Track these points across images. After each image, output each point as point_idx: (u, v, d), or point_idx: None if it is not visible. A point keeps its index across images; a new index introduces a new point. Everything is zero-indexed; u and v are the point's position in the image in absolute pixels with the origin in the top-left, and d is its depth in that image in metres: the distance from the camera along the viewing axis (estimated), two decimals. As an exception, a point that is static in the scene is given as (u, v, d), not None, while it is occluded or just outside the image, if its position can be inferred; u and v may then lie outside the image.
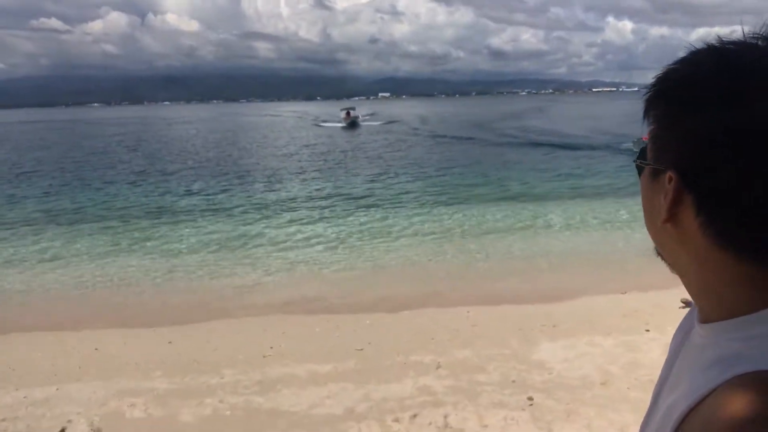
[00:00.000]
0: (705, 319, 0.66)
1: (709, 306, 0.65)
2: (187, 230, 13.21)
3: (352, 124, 55.54)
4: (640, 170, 0.70)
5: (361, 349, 5.97)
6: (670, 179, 0.62)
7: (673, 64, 0.64)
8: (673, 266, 0.69)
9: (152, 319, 7.45)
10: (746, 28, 0.61)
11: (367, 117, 73.69)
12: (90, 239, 12.44)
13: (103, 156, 33.89)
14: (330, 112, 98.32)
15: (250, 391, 4.95)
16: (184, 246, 11.79)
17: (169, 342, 6.34)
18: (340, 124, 57.63)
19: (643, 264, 9.07)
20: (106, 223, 14.14)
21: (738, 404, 0.53)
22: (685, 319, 0.79)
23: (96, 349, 6.26)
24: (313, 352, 5.91)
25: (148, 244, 12.05)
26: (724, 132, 0.57)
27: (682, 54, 0.65)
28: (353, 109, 62.35)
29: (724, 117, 0.57)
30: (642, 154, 0.69)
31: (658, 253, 0.71)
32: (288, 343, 6.24)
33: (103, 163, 29.34)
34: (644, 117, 0.68)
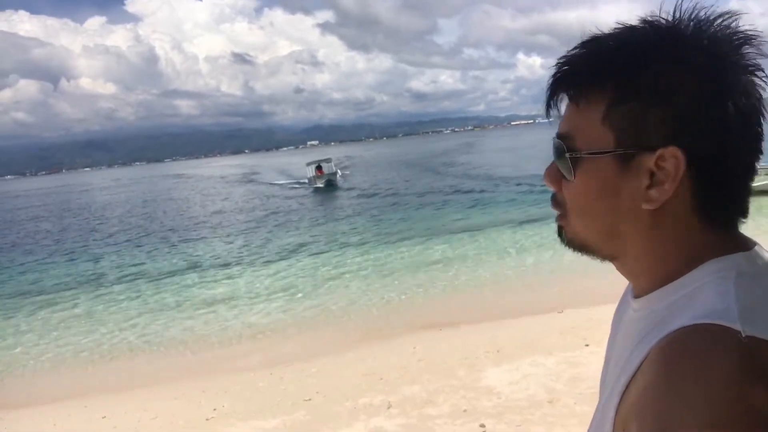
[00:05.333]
0: (640, 294, 0.70)
1: (649, 279, 0.68)
2: (112, 296, 12.59)
3: (329, 183, 37.07)
4: (574, 163, 0.66)
5: (309, 399, 5.80)
6: (662, 158, 0.61)
7: (622, 44, 0.63)
8: (615, 252, 0.69)
9: (82, 391, 7.00)
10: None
11: (345, 171, 52.38)
12: (17, 317, 11.61)
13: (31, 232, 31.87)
14: (269, 165, 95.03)
15: (195, 457, 4.69)
16: (112, 313, 11.22)
17: (103, 417, 5.93)
18: (309, 185, 39.28)
19: (574, 282, 9.44)
20: (31, 298, 13.25)
21: (657, 368, 0.56)
22: (620, 305, 0.82)
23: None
24: (259, 408, 5.69)
25: (76, 311, 11.42)
26: (708, 105, 0.60)
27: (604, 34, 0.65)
28: (328, 161, 40.75)
29: (704, 90, 0.60)
30: (571, 145, 0.66)
31: (585, 249, 0.71)
32: (231, 402, 5.98)
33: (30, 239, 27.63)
34: (579, 100, 0.66)
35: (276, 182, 50.86)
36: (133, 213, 35.33)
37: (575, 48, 0.66)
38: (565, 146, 0.67)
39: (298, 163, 79.99)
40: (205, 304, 11.26)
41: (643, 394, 0.56)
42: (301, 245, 17.04)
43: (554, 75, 0.68)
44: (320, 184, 36.93)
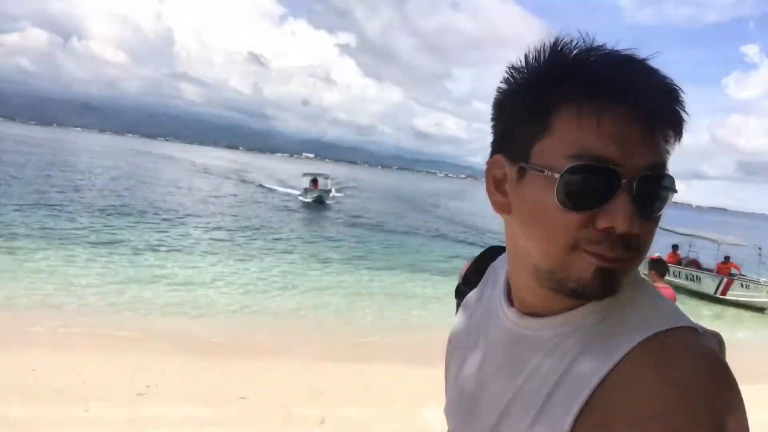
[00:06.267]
0: (544, 312, 0.70)
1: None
2: (76, 256, 12.35)
3: (319, 200, 34.89)
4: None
5: (245, 398, 5.70)
6: None
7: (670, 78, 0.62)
8: None
9: (19, 340, 6.82)
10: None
11: (341, 191, 49.44)
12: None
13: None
14: (262, 166, 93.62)
15: (115, 427, 4.55)
16: (69, 271, 10.99)
17: (33, 369, 5.76)
18: (299, 196, 37.79)
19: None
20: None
21: (653, 378, 0.57)
22: (470, 327, 0.86)
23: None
24: (194, 395, 5.57)
25: (31, 264, 11.15)
26: None
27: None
28: (325, 177, 39.09)
29: None
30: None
31: (615, 290, 0.66)
32: (168, 383, 5.84)
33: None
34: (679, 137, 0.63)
35: (267, 185, 48.91)
36: (118, 183, 34.75)
37: (649, 70, 0.62)
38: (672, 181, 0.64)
39: (290, 170, 79.59)
40: (169, 282, 11.16)
41: (644, 406, 0.55)
42: (281, 250, 16.95)
43: (672, 107, 0.62)
44: (310, 199, 35.09)
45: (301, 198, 36.81)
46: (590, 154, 0.59)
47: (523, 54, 0.67)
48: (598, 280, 0.61)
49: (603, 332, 0.64)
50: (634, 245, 0.61)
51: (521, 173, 0.66)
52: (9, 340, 6.94)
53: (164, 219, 20.42)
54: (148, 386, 5.61)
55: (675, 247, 19.90)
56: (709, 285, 17.46)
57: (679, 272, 18.50)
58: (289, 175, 67.83)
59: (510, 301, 0.77)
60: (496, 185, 0.70)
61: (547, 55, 0.65)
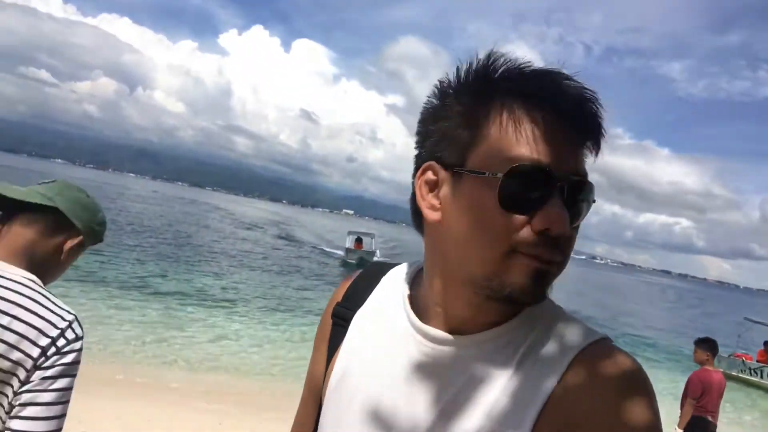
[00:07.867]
0: (460, 329, 0.71)
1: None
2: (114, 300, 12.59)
3: (361, 263, 26.26)
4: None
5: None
6: None
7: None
8: None
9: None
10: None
11: (392, 254, 44.25)
12: None
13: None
14: (304, 220, 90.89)
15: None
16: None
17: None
18: (343, 257, 33.17)
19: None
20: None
21: (604, 386, 0.63)
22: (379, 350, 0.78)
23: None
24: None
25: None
26: None
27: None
28: (371, 236, 35.37)
29: None
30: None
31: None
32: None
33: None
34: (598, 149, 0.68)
35: (308, 242, 46.58)
36: (166, 228, 34.97)
37: (574, 83, 0.65)
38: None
39: (330, 226, 78.36)
40: (203, 332, 11.35)
41: (600, 406, 0.61)
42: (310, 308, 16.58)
43: (595, 117, 0.66)
44: (353, 260, 30.81)
45: (343, 259, 33.15)
46: (527, 158, 0.62)
47: (455, 69, 0.71)
48: (533, 283, 0.64)
49: (539, 345, 0.68)
50: (562, 248, 0.65)
51: (457, 178, 0.68)
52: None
53: (198, 270, 20.05)
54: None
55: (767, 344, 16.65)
56: None
57: None
58: (328, 230, 67.00)
59: (421, 319, 0.75)
60: (428, 189, 0.72)
61: (479, 67, 0.69)
